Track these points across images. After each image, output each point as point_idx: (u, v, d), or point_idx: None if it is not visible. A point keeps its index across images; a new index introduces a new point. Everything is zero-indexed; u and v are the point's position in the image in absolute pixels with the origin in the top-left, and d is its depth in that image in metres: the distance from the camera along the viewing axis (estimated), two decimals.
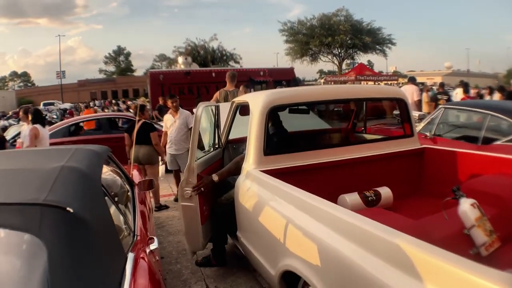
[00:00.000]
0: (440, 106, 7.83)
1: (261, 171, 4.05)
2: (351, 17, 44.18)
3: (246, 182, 4.18)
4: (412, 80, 12.43)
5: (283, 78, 21.91)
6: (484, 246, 2.97)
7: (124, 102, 39.50)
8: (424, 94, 13.67)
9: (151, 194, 7.92)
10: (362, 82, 38.44)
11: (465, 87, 15.26)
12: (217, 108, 5.86)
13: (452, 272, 1.82)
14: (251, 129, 4.39)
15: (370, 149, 4.89)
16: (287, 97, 4.78)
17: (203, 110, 4.87)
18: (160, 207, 7.89)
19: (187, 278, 4.96)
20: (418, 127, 7.42)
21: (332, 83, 36.95)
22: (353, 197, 4.24)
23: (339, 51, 45.98)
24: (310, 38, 43.59)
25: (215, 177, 4.50)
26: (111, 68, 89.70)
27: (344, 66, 48.19)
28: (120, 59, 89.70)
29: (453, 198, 3.24)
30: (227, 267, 5.04)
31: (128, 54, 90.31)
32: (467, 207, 3.09)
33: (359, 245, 2.40)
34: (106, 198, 2.72)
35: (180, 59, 26.70)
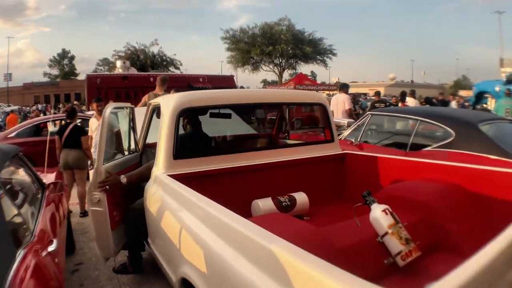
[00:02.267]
0: (367, 112, 7.76)
1: (169, 175, 3.81)
2: (293, 27, 44.54)
3: (153, 187, 3.97)
4: (343, 88, 12.33)
5: (222, 85, 21.70)
6: (400, 255, 2.77)
7: (64, 107, 38.49)
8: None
9: (77, 200, 7.79)
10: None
11: (403, 96, 15.49)
12: (132, 110, 5.58)
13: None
14: (161, 132, 4.19)
15: (289, 154, 4.74)
16: (200, 100, 4.57)
17: (113, 112, 4.68)
18: (85, 213, 7.52)
19: (103, 284, 4.88)
20: (345, 133, 7.38)
21: None
22: (266, 203, 4.08)
23: (280, 60, 46.21)
24: (251, 46, 43.66)
25: (123, 179, 4.23)
26: (56, 71, 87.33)
27: (288, 76, 48.55)
28: (64, 62, 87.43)
29: (363, 204, 3.07)
30: (143, 275, 4.89)
31: (72, 58, 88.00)
32: (378, 214, 2.90)
33: (241, 252, 2.18)
34: (5, 196, 2.79)
35: (119, 63, 26.12)
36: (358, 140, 6.86)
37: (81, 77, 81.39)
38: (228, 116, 5.53)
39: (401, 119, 7.21)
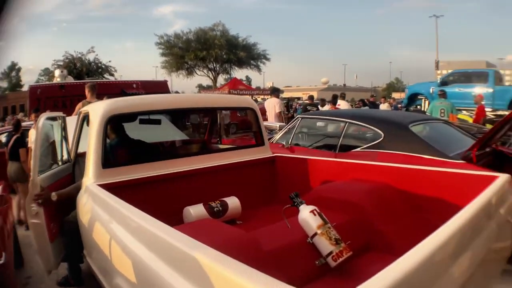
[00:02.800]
0: (297, 116, 7.81)
1: (99, 185, 3.68)
2: (227, 32, 44.52)
3: (83, 197, 3.84)
4: (274, 92, 12.43)
5: (156, 90, 21.40)
6: (331, 256, 2.78)
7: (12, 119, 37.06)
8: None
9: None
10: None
11: (334, 99, 15.72)
12: (64, 119, 5.39)
13: None
14: (90, 140, 4.05)
15: (220, 159, 4.72)
16: (128, 106, 4.43)
17: (48, 123, 4.63)
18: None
19: None
20: (276, 137, 7.40)
21: None
22: (197, 209, 4.03)
23: (215, 65, 46.08)
24: (185, 51, 43.27)
25: (54, 196, 4.06)
26: (5, 84, 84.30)
27: (223, 81, 48.43)
28: (12, 74, 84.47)
29: (292, 206, 3.07)
30: (85, 287, 4.70)
31: (19, 70, 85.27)
32: (306, 215, 2.91)
33: (167, 261, 2.13)
34: None
35: (57, 72, 25.44)
36: (289, 143, 6.87)
37: (26, 88, 79.33)
38: (157, 122, 5.44)
39: (331, 122, 7.30)
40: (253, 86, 42.78)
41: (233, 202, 4.27)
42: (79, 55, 44.84)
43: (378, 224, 3.35)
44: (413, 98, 23.07)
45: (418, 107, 18.71)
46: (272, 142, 7.20)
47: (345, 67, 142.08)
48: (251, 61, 46.49)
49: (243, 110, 5.52)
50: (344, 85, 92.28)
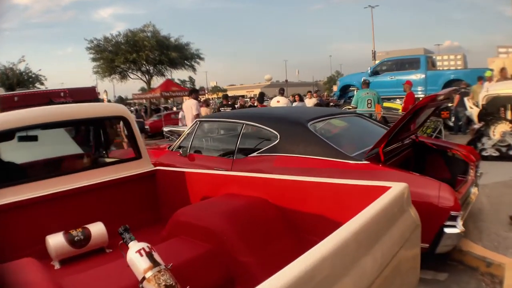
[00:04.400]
0: (195, 120, 7.33)
1: None
2: (158, 33, 43.38)
3: None
4: (192, 93, 11.94)
5: (84, 98, 20.62)
6: None
7: None
8: (204, 109, 13.34)
9: None
10: (169, 98, 38.32)
11: (260, 97, 15.35)
12: None
13: None
14: None
15: (89, 177, 4.22)
16: None
17: None
18: None
19: None
20: (175, 144, 6.93)
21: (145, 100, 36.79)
22: (56, 239, 3.58)
23: (148, 67, 45.01)
24: (115, 55, 41.94)
25: None
26: None
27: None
28: None
29: (122, 242, 2.65)
30: None
31: None
32: (132, 255, 2.51)
33: None
34: None
35: None
36: (188, 151, 6.40)
37: None
38: (34, 138, 4.78)
39: (230, 124, 6.87)
40: (197, 87, 41.65)
41: (97, 229, 3.82)
42: (11, 65, 43.21)
43: (243, 253, 2.96)
44: (345, 90, 23.22)
45: (351, 98, 18.64)
46: (172, 149, 6.77)
47: (286, 63, 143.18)
48: (185, 61, 45.61)
49: (114, 120, 4.96)
50: (286, 81, 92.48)
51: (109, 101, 37.00)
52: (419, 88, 18.43)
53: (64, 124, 4.61)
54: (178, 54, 43.35)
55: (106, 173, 4.37)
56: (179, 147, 6.76)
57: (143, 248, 2.51)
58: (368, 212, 2.27)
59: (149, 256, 2.48)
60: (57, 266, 3.60)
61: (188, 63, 46.12)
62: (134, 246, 2.54)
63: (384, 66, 21.24)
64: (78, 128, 5.79)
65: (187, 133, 6.75)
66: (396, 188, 2.75)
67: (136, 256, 2.48)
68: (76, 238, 3.66)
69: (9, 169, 4.40)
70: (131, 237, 2.63)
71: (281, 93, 15.17)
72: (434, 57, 30.43)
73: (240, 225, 3.12)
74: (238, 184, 3.82)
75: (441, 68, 42.25)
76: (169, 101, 44.88)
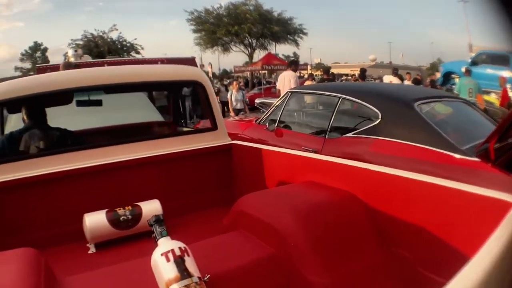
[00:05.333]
0: (287, 90, 6.53)
1: None
2: (260, 7, 42.98)
3: None
4: (291, 65, 11.16)
5: None
6: None
7: None
8: (308, 82, 12.67)
9: None
10: (270, 72, 37.93)
11: (362, 73, 14.46)
12: None
13: None
14: None
15: (153, 148, 3.63)
16: (20, 89, 3.33)
17: None
18: None
19: None
20: (262, 117, 6.22)
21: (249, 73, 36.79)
22: (94, 218, 3.02)
23: (251, 40, 44.81)
24: (217, 27, 42.13)
25: None
26: (27, 65, 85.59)
27: None
28: (36, 55, 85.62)
29: (152, 237, 1.96)
30: None
31: (45, 50, 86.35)
32: (157, 257, 1.82)
33: None
34: None
35: (70, 52, 24.89)
36: (275, 125, 5.64)
37: None
38: (98, 103, 4.40)
39: (325, 98, 5.94)
40: (301, 63, 40.61)
41: (151, 207, 3.19)
42: (101, 34, 44.51)
43: (314, 269, 2.13)
44: (447, 77, 22.25)
45: (453, 86, 17.38)
46: (259, 123, 6.07)
47: (390, 45, 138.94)
48: (288, 36, 44.93)
49: (187, 84, 4.31)
50: (390, 62, 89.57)
51: (213, 73, 37.10)
52: (508, 86, 17.12)
53: (129, 87, 4.02)
54: (280, 28, 42.87)
55: (173, 144, 3.77)
56: (267, 120, 6.02)
57: (173, 251, 1.81)
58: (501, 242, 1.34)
59: (179, 262, 1.78)
60: (92, 249, 3.08)
61: (291, 38, 45.59)
62: (163, 245, 1.86)
63: (482, 57, 20.03)
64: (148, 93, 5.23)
65: (277, 105, 5.99)
66: None
67: (162, 260, 1.79)
68: (123, 217, 3.10)
69: (63, 135, 3.85)
70: (163, 231, 1.94)
71: (395, 73, 13.96)
72: None
73: (315, 228, 2.29)
74: (322, 170, 2.99)
75: None
76: (272, 75, 44.48)
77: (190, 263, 1.80)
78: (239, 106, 13.76)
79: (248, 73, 39.04)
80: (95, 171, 3.29)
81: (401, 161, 3.68)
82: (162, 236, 1.90)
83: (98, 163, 3.30)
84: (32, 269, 1.87)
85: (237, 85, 14.27)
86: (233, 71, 39.12)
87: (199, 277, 1.77)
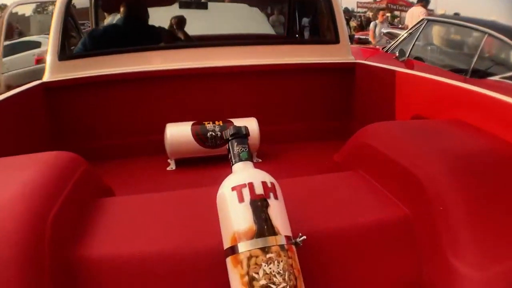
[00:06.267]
0: (423, 18, 5.68)
1: (49, 83, 2.72)
2: None
3: None
4: (422, 1, 10.18)
5: None
6: None
7: None
8: (419, 7, 11.52)
9: None
10: (395, 12, 36.46)
11: None
12: None
13: None
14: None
15: (262, 56, 3.09)
16: None
17: None
18: None
19: None
20: (392, 44, 5.51)
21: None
22: (177, 129, 2.63)
23: None
24: None
25: None
26: None
27: None
28: None
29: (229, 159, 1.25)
30: None
31: None
32: (225, 190, 1.12)
33: None
34: None
35: None
36: (406, 55, 4.88)
37: None
38: (203, 6, 3.98)
39: (468, 32, 5.05)
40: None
41: (246, 125, 2.54)
42: None
43: (469, 255, 1.21)
44: None
45: None
46: (387, 51, 5.32)
47: None
48: None
49: None
50: None
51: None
52: None
53: None
54: None
55: (284, 55, 3.16)
56: (397, 48, 5.30)
57: (251, 186, 1.08)
58: None
59: (258, 207, 1.05)
60: (171, 166, 2.71)
61: None
62: (239, 175, 1.16)
63: None
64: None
65: (410, 33, 5.20)
66: None
67: (232, 197, 1.08)
68: (210, 133, 2.60)
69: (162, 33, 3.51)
70: (242, 151, 1.21)
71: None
72: None
73: (478, 193, 1.36)
74: (478, 108, 2.06)
75: None
76: (395, 20, 42.78)
77: (276, 212, 1.07)
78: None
79: (370, 13, 37.71)
80: (190, 75, 2.91)
81: None
82: (241, 160, 1.19)
83: (195, 66, 2.90)
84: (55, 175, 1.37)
85: (383, 16, 12.94)
86: (354, 9, 37.76)
87: (287, 237, 1.05)
